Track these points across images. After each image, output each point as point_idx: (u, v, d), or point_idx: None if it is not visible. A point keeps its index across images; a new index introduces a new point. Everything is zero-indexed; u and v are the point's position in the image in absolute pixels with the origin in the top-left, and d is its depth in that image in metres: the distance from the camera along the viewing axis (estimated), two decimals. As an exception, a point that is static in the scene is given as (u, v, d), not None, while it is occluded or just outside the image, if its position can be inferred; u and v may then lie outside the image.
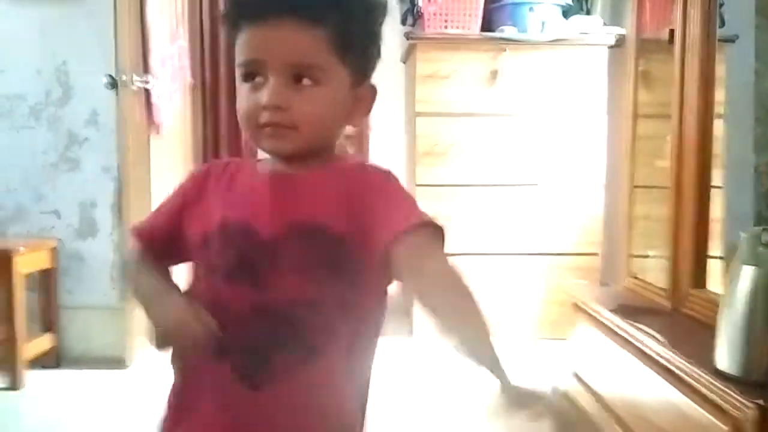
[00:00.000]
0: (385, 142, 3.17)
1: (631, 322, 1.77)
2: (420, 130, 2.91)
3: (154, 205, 2.57)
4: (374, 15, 0.77)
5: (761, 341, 1.23)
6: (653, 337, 1.62)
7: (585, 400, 2.14)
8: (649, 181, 2.25)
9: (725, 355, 1.30)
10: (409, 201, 0.75)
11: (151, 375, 2.55)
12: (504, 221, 2.99)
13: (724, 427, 1.25)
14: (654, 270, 2.11)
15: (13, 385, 2.34)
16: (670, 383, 1.49)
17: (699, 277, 1.81)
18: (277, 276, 0.71)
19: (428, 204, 0.93)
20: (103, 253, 2.65)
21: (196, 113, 3.16)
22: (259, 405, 0.71)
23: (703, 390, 1.34)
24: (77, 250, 2.63)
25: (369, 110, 0.80)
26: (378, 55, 0.79)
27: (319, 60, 0.71)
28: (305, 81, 0.71)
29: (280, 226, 0.72)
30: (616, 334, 1.88)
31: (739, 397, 1.21)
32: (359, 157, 0.79)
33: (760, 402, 1.14)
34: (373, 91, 0.79)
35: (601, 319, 2.02)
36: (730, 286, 1.31)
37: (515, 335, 3.05)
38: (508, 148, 2.96)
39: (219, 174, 0.80)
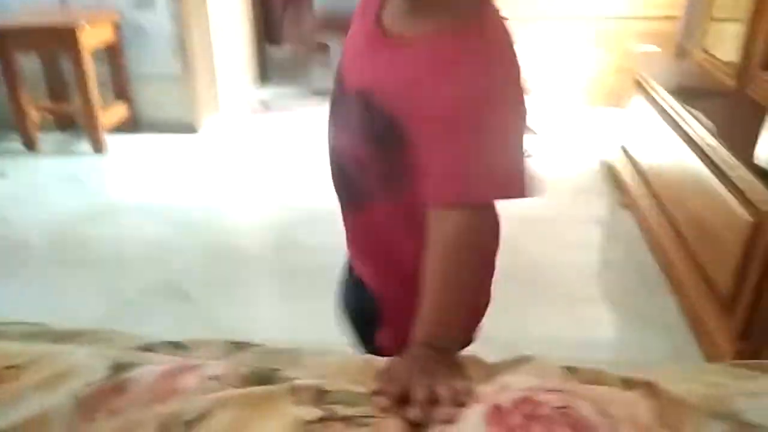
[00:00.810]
0: None
1: (687, 106, 1.71)
2: None
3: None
4: None
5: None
6: (703, 123, 1.58)
7: (628, 173, 2.18)
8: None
9: (766, 149, 1.28)
10: (479, 138, 0.61)
11: (219, 139, 2.75)
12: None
13: (750, 219, 1.29)
14: (728, 43, 1.95)
15: (98, 149, 2.59)
16: (710, 169, 1.50)
17: (771, 58, 1.67)
18: (339, 129, 0.74)
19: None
20: (162, 24, 2.67)
21: None
22: (350, 229, 0.79)
23: (737, 181, 1.36)
24: (138, 22, 2.66)
25: None
26: None
27: None
28: None
29: (354, 86, 0.69)
30: (669, 115, 1.83)
31: (764, 191, 1.23)
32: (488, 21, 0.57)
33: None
34: None
35: (657, 98, 1.96)
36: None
37: (575, 101, 3.02)
38: None
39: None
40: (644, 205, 1.97)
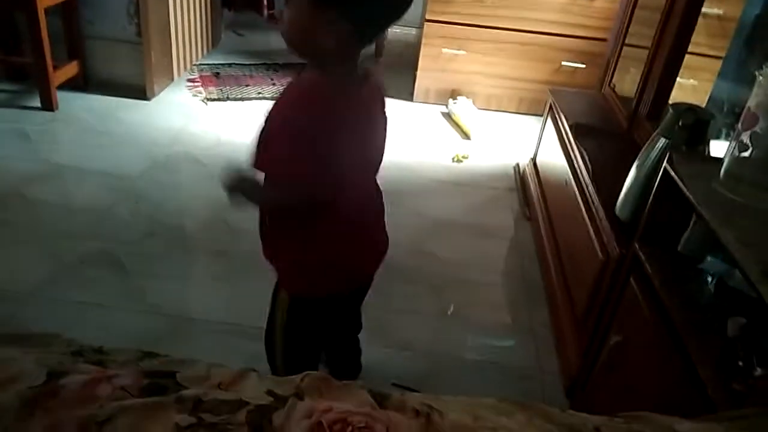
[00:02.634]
0: None
1: (578, 141, 1.97)
2: None
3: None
4: None
5: (645, 199, 1.44)
6: (585, 161, 1.84)
7: (532, 187, 2.45)
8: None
9: (621, 201, 1.54)
10: (285, 141, 0.96)
11: (169, 109, 2.87)
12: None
13: (601, 257, 1.55)
14: (630, 85, 2.21)
15: (48, 106, 2.68)
16: (582, 204, 1.76)
17: (656, 111, 1.92)
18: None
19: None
20: (119, -13, 2.74)
21: None
22: None
23: (597, 221, 1.62)
24: (94, -17, 2.73)
25: (338, 38, 0.92)
26: None
27: None
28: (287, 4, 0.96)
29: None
30: (565, 144, 2.09)
31: (614, 239, 1.49)
32: (323, 75, 0.96)
33: (623, 250, 1.42)
34: (339, 16, 0.90)
35: (560, 124, 2.21)
36: (646, 149, 1.48)
37: (505, 107, 3.25)
38: None
39: None
40: (540, 220, 2.24)
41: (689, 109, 1.40)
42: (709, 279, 1.15)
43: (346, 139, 0.98)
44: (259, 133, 1.00)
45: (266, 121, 0.99)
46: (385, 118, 1.11)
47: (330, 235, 1.10)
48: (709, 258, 1.17)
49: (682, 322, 1.09)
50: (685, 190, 1.12)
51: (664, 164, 1.24)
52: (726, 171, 1.12)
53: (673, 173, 1.18)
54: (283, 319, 1.21)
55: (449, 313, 1.88)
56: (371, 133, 1.08)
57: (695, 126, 1.38)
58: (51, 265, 1.85)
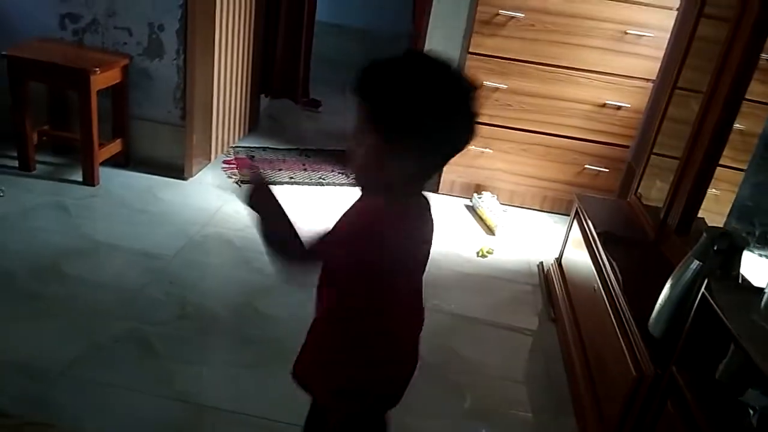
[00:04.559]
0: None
1: (606, 250, 2.01)
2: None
3: (217, 36, 2.74)
4: (411, 93, 0.95)
5: (679, 320, 1.46)
6: (615, 272, 1.87)
7: (557, 288, 2.47)
8: (694, 86, 2.19)
9: (654, 318, 1.56)
10: (344, 237, 1.03)
11: (206, 191, 2.96)
12: (546, 99, 3.07)
13: (634, 373, 1.56)
14: (657, 196, 2.27)
15: (90, 182, 2.78)
16: (613, 315, 1.78)
17: (685, 226, 1.97)
18: None
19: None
20: (169, 73, 2.90)
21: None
22: None
23: (630, 336, 1.64)
24: (145, 69, 2.89)
25: (406, 171, 1.00)
26: (421, 126, 0.97)
27: (360, 125, 1.00)
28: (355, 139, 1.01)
29: None
30: (593, 251, 2.13)
31: (648, 357, 1.50)
32: (386, 203, 1.03)
33: (659, 370, 1.43)
34: (408, 152, 0.98)
35: (587, 230, 2.26)
36: (679, 270, 1.52)
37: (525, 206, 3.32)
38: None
39: None
40: (566, 323, 2.25)
41: (724, 234, 1.44)
42: (752, 412, 1.15)
43: (406, 257, 1.03)
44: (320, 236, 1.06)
45: (331, 231, 1.06)
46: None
47: (383, 336, 1.12)
48: (750, 390, 1.18)
49: (725, 455, 1.09)
50: (726, 321, 1.15)
51: (701, 291, 1.27)
52: (767, 304, 1.15)
53: (712, 303, 1.21)
54: None
55: (465, 405, 1.87)
56: (425, 244, 1.14)
57: (729, 251, 1.42)
58: (82, 343, 1.88)
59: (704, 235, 1.47)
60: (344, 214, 1.08)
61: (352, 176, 1.05)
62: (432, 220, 1.15)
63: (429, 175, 1.04)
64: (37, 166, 2.86)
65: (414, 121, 0.96)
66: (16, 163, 2.82)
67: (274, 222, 1.05)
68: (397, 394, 1.21)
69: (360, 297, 1.07)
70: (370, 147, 0.99)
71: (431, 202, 1.12)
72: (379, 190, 1.03)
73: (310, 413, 1.33)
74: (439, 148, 1.00)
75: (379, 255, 0.99)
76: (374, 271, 1.01)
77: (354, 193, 1.10)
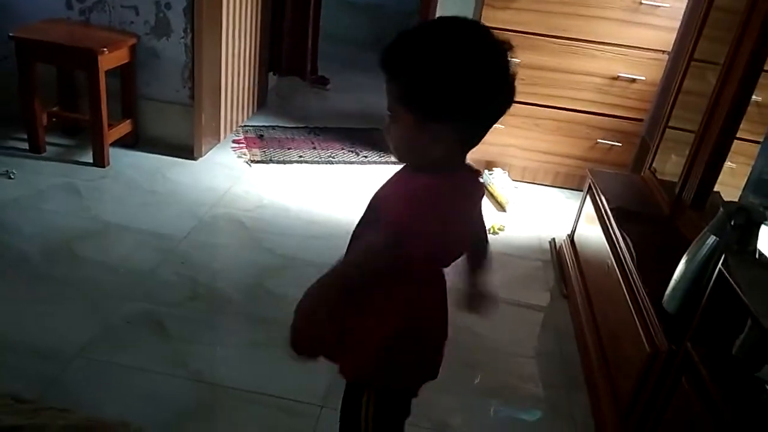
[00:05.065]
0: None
1: (620, 226, 1.98)
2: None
3: (225, 13, 2.71)
4: (440, 67, 0.90)
5: (694, 296, 1.44)
6: (629, 247, 1.85)
7: (569, 264, 2.45)
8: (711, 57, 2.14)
9: (669, 294, 1.54)
10: (403, 210, 0.97)
11: (215, 170, 2.95)
12: (558, 73, 3.02)
13: (648, 349, 1.54)
14: (673, 170, 2.23)
15: (100, 163, 2.78)
16: (626, 291, 1.76)
17: (700, 200, 1.94)
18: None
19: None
20: (177, 53, 2.87)
21: None
22: None
23: (643, 312, 1.62)
24: (153, 48, 2.87)
25: (445, 147, 0.95)
26: (457, 104, 0.92)
27: (392, 105, 0.95)
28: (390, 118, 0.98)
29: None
30: (606, 226, 2.10)
31: (662, 333, 1.48)
32: (436, 178, 0.97)
33: (673, 346, 1.42)
34: (445, 130, 0.93)
35: (600, 205, 2.23)
36: (695, 245, 1.49)
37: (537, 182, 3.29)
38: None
39: None
40: (578, 299, 2.23)
41: (740, 208, 1.41)
42: (768, 389, 1.13)
43: (457, 230, 1.03)
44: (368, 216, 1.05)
45: (376, 206, 1.05)
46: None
47: (418, 302, 1.08)
48: (767, 366, 1.16)
49: (741, 432, 1.07)
50: (744, 298, 1.12)
51: (719, 267, 1.24)
52: (785, 281, 1.12)
53: (730, 279, 1.19)
54: (369, 426, 1.12)
55: (476, 381, 1.89)
56: (472, 219, 1.13)
57: (746, 226, 1.39)
58: (96, 325, 1.89)
59: (721, 210, 1.44)
60: (390, 193, 1.04)
61: (393, 153, 1.02)
62: (481, 190, 1.14)
63: (473, 144, 1.00)
64: (48, 148, 2.87)
65: (450, 100, 0.92)
66: (26, 146, 2.83)
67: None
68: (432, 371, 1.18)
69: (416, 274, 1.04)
70: (405, 125, 0.95)
71: (477, 171, 1.08)
72: (424, 166, 0.99)
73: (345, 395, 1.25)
74: (479, 120, 0.96)
75: (443, 231, 0.96)
76: (439, 247, 0.99)
77: (387, 171, 1.08)
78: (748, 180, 1.95)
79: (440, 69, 0.90)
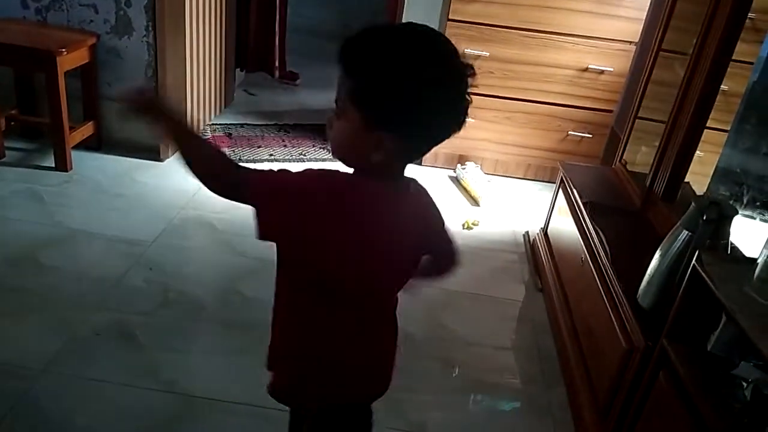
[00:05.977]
0: None
1: (592, 220, 1.98)
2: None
3: (188, 10, 2.64)
4: (401, 78, 0.85)
5: (668, 291, 1.45)
6: (602, 242, 1.85)
7: (543, 258, 2.45)
8: (678, 48, 2.16)
9: (643, 289, 1.55)
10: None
11: (182, 172, 2.87)
12: (528, 66, 3.01)
13: (624, 345, 1.55)
14: (643, 162, 2.24)
15: (62, 167, 2.70)
16: (601, 287, 1.77)
17: (671, 192, 1.95)
18: None
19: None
20: (138, 51, 2.79)
21: None
22: None
23: (619, 308, 1.62)
24: (114, 47, 2.78)
25: (385, 155, 0.90)
26: (409, 114, 0.87)
27: (342, 100, 0.91)
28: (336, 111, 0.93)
29: None
30: (579, 220, 2.11)
31: (638, 329, 1.49)
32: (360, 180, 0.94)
33: (650, 342, 1.42)
34: (390, 140, 0.88)
35: (572, 198, 2.23)
36: (668, 240, 1.50)
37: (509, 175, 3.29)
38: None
39: None
40: (553, 293, 2.24)
41: (713, 203, 1.41)
42: (744, 384, 1.14)
43: (350, 240, 0.94)
44: None
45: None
46: (419, 231, 1.04)
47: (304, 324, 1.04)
48: (743, 363, 1.17)
49: (720, 429, 1.08)
50: (718, 294, 1.13)
51: (692, 263, 1.25)
52: (759, 276, 1.13)
53: (703, 274, 1.19)
54: None
55: (454, 375, 1.88)
56: (388, 238, 0.98)
57: (718, 220, 1.40)
58: (63, 337, 1.83)
59: (693, 204, 1.44)
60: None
61: (330, 148, 0.98)
62: (418, 229, 1.03)
63: (411, 159, 0.98)
64: (7, 152, 2.77)
65: (403, 112, 0.87)
66: (-16, 152, 2.73)
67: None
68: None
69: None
70: (350, 125, 0.91)
71: (417, 186, 1.01)
72: (355, 167, 0.96)
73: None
74: (426, 137, 0.94)
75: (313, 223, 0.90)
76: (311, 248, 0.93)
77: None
78: (716, 168, 1.97)
79: (400, 80, 0.86)
